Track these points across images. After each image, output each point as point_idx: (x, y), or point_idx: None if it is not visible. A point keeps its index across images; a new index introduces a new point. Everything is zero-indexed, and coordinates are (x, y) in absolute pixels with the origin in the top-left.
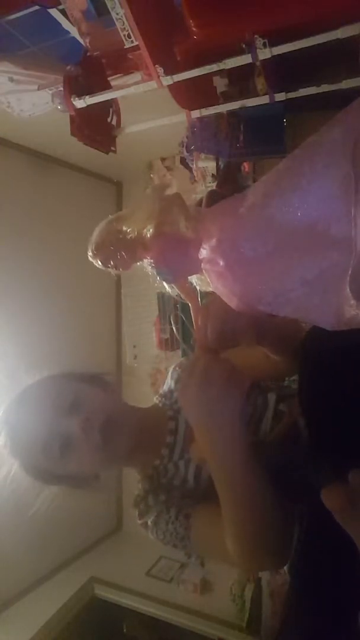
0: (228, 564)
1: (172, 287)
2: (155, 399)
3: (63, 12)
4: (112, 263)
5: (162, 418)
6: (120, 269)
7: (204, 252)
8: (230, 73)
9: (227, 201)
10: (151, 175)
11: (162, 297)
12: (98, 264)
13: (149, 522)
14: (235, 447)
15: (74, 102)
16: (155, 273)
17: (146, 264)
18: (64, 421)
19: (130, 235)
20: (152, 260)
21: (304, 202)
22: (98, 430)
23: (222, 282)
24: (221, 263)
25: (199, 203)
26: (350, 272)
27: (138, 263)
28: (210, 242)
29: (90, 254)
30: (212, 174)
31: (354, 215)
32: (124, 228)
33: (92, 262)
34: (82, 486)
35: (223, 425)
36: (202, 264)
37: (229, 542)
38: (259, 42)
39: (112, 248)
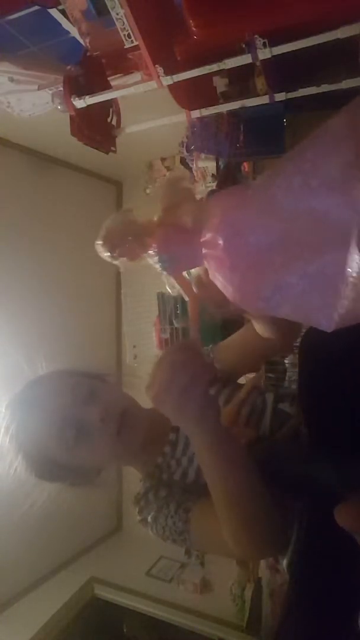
0: (227, 556)
1: (173, 287)
2: None
3: (63, 12)
4: (118, 252)
5: (164, 417)
6: (126, 258)
7: (205, 234)
8: (230, 73)
9: (234, 187)
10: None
11: (162, 297)
12: (105, 254)
13: (149, 518)
14: (209, 435)
15: (74, 102)
16: (157, 260)
17: (151, 252)
18: (83, 408)
19: (139, 222)
20: (155, 246)
21: (305, 184)
22: (116, 420)
23: (221, 270)
24: (220, 242)
25: None
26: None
27: (144, 255)
28: (213, 221)
29: (99, 241)
30: (212, 174)
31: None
32: (135, 215)
33: (92, 262)
34: (83, 483)
35: (193, 414)
36: (202, 249)
37: (224, 531)
38: (259, 42)
39: (120, 235)
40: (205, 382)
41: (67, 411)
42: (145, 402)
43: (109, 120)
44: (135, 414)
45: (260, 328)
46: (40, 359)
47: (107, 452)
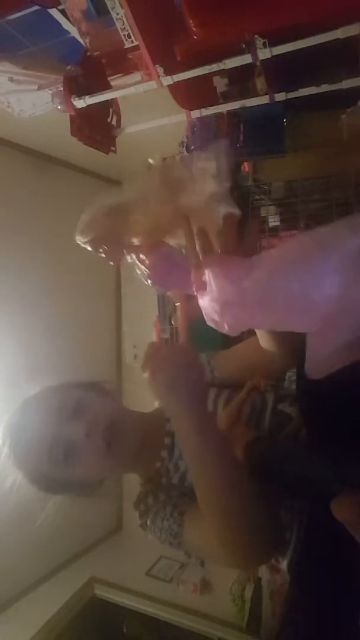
0: (219, 563)
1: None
2: (157, 403)
3: (63, 12)
4: (102, 252)
5: (160, 421)
6: (110, 262)
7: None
8: (230, 73)
9: (232, 265)
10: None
11: (162, 297)
12: (84, 246)
13: (148, 522)
14: (197, 418)
15: (74, 102)
16: (147, 282)
17: (138, 270)
18: (67, 426)
19: (130, 238)
20: (146, 274)
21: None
22: (102, 434)
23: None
24: (248, 321)
25: None
26: None
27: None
28: (216, 300)
29: (80, 239)
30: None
31: None
32: (122, 224)
33: (92, 262)
34: (86, 494)
35: (184, 393)
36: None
37: (214, 537)
38: (259, 42)
39: (107, 239)
40: (201, 369)
41: (54, 430)
42: (142, 406)
43: (109, 120)
44: (124, 425)
45: (263, 340)
46: (33, 375)
47: (98, 466)
